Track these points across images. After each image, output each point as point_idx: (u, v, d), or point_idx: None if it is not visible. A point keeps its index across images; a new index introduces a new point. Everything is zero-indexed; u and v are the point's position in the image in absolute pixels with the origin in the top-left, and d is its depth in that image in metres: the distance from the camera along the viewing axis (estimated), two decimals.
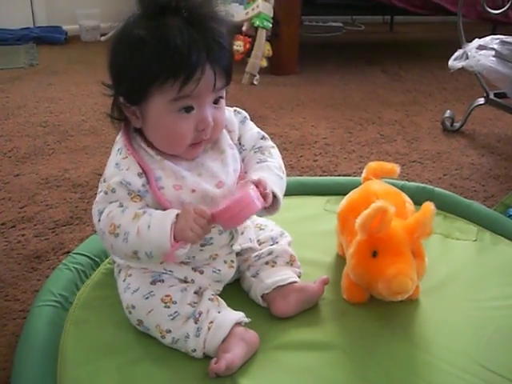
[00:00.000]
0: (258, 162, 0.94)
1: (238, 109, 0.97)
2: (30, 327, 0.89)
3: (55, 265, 1.11)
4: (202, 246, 0.90)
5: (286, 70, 2.71)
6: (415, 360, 0.86)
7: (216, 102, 0.86)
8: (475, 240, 1.18)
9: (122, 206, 0.83)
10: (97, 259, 1.06)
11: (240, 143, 0.96)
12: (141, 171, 0.85)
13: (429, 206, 0.92)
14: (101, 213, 0.84)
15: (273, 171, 0.92)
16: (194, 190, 0.86)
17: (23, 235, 1.29)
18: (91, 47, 3.25)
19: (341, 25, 3.88)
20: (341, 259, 1.07)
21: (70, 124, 2.01)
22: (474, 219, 1.24)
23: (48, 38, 3.26)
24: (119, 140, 0.89)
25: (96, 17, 3.39)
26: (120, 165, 0.85)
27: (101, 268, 1.05)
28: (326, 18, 3.87)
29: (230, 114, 0.94)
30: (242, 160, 0.95)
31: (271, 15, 2.52)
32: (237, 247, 0.96)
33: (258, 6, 2.49)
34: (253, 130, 0.98)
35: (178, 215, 0.81)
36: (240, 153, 0.95)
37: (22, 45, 3.13)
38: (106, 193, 0.84)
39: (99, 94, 2.61)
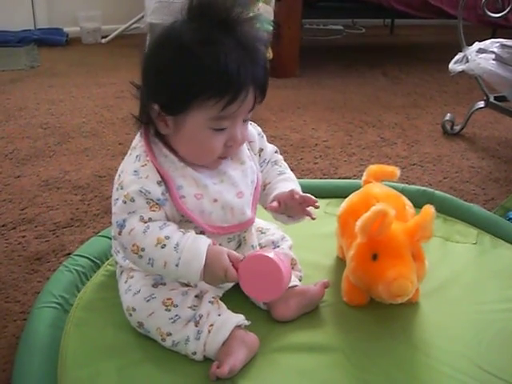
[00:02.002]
0: (279, 174, 0.99)
1: (251, 122, 0.99)
2: (30, 329, 0.89)
3: (56, 266, 1.11)
4: None
5: (287, 72, 2.72)
6: (415, 362, 0.86)
7: (244, 119, 0.87)
8: (475, 243, 1.19)
9: (143, 221, 0.81)
10: (97, 261, 1.07)
11: (260, 156, 0.99)
12: (160, 179, 0.83)
13: (429, 209, 0.92)
14: (120, 225, 0.82)
15: (294, 181, 0.99)
16: (215, 200, 0.86)
17: (24, 237, 1.29)
18: (92, 49, 3.26)
19: (341, 28, 3.88)
20: (341, 262, 1.07)
21: (71, 126, 2.02)
22: (474, 222, 1.25)
23: (49, 39, 3.27)
24: (137, 146, 0.87)
25: (97, 19, 3.39)
26: (139, 172, 0.83)
27: (101, 270, 1.06)
28: (327, 21, 3.88)
29: (249, 125, 0.96)
30: (261, 171, 0.98)
31: (272, 18, 2.52)
32: (240, 257, 0.96)
33: (259, 9, 2.49)
34: (268, 144, 1.02)
35: (208, 249, 0.81)
36: (260, 166, 0.99)
37: (23, 47, 3.14)
38: (124, 202, 0.82)
39: (100, 96, 2.62)
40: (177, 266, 0.80)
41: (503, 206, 1.44)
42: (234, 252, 0.84)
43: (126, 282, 0.92)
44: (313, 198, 0.91)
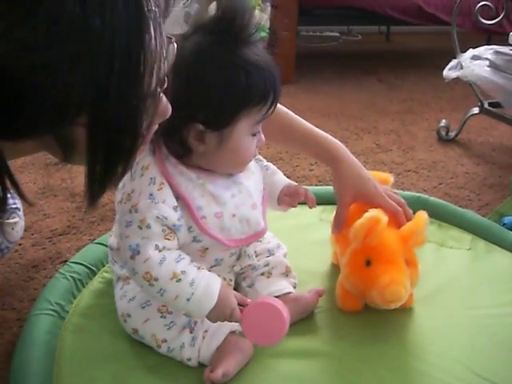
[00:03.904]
0: (266, 169, 1.00)
1: None
2: (26, 336, 0.89)
3: (52, 274, 1.11)
4: (212, 267, 0.90)
5: (283, 79, 2.66)
6: (409, 368, 0.87)
7: None
8: (469, 249, 1.19)
9: (158, 250, 0.79)
10: (93, 268, 1.07)
11: None
12: (176, 204, 0.82)
13: (422, 215, 0.93)
14: (134, 250, 0.80)
15: (279, 172, 1.02)
16: (234, 215, 0.86)
17: (20, 244, 1.29)
18: None
19: (337, 34, 3.90)
20: (336, 268, 1.08)
21: None
22: (469, 228, 1.25)
23: None
24: (150, 166, 0.83)
25: None
26: (155, 197, 0.80)
27: (97, 277, 1.06)
28: (323, 28, 3.89)
29: None
30: None
31: (268, 26, 2.54)
32: (237, 268, 0.97)
33: (255, 17, 2.50)
34: None
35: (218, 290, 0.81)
36: None
37: None
38: (140, 227, 0.80)
39: None
40: (188, 300, 0.79)
41: (498, 212, 1.45)
42: (240, 294, 0.85)
43: (121, 288, 0.92)
44: (314, 198, 0.98)
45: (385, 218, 0.91)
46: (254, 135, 0.85)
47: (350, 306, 0.99)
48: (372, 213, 0.91)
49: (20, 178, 1.61)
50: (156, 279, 0.79)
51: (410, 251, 0.94)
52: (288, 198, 0.98)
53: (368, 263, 0.93)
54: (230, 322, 0.82)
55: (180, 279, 0.79)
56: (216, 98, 0.79)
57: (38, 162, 1.75)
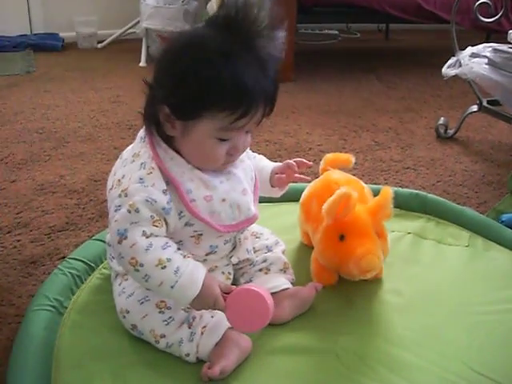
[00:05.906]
0: (253, 157, 1.02)
1: None
2: (25, 331, 0.89)
3: (51, 270, 1.12)
4: (207, 254, 0.90)
5: (282, 77, 2.69)
6: (407, 364, 0.87)
7: (248, 131, 0.87)
8: (467, 246, 1.19)
9: (145, 236, 0.80)
10: (92, 264, 1.07)
11: None
12: (165, 188, 0.82)
13: (387, 190, 0.98)
14: (121, 235, 0.80)
15: (266, 159, 1.05)
16: (224, 200, 0.87)
17: (19, 241, 1.29)
18: (88, 54, 3.27)
19: (336, 32, 3.90)
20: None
21: (67, 130, 2.02)
22: (467, 225, 1.25)
23: (45, 45, 3.28)
24: (141, 153, 0.85)
25: (93, 24, 3.40)
26: (145, 180, 0.81)
27: (96, 273, 1.06)
28: (322, 26, 3.89)
29: None
30: None
31: None
32: (235, 260, 0.97)
33: None
34: None
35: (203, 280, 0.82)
36: None
37: (19, 52, 3.14)
38: (128, 211, 0.80)
39: (96, 101, 2.62)
40: (172, 287, 0.80)
41: (496, 209, 1.45)
42: (225, 283, 0.86)
43: (120, 284, 0.92)
44: (304, 160, 1.02)
45: (355, 194, 0.95)
46: (223, 140, 0.83)
47: (325, 281, 1.02)
48: (343, 189, 0.95)
49: (18, 174, 1.64)
50: (141, 265, 0.80)
51: (379, 224, 0.99)
52: (281, 175, 1.00)
53: (342, 238, 0.97)
54: (214, 310, 0.83)
55: (165, 266, 0.80)
56: (185, 88, 0.80)
57: (37, 158, 1.76)
